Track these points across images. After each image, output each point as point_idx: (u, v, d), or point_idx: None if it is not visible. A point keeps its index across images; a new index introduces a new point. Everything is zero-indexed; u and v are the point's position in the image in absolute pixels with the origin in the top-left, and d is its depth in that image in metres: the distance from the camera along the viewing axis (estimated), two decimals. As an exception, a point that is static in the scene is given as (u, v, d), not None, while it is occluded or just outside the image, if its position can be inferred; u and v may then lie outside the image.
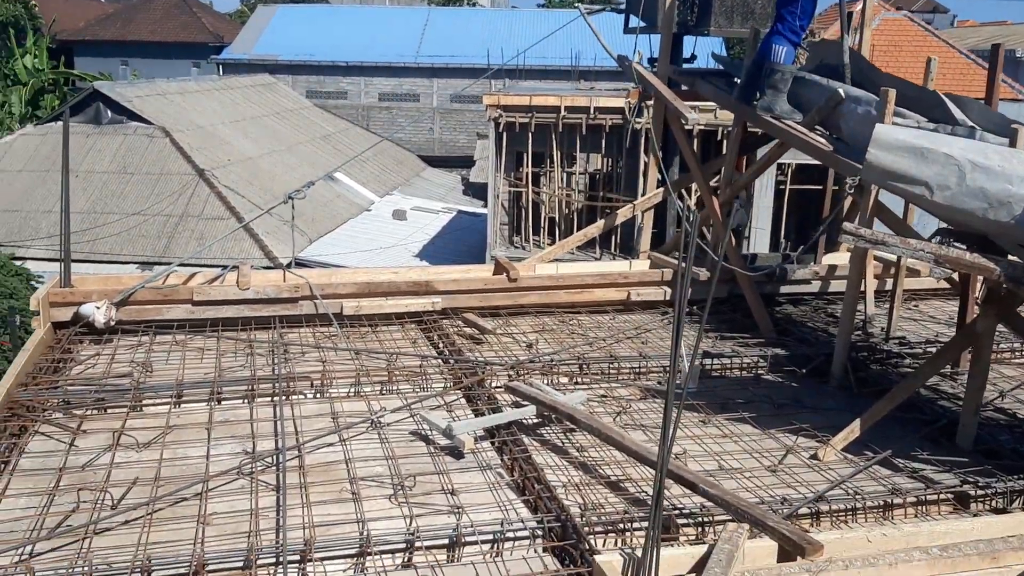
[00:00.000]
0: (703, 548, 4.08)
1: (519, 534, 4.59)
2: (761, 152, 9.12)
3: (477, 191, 28.55)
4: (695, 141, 16.12)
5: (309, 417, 5.94)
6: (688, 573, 4.02)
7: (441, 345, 7.29)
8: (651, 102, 9.99)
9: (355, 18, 43.59)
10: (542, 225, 18.88)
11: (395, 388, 6.42)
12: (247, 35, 42.21)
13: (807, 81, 7.43)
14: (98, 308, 7.09)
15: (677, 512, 4.76)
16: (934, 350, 7.04)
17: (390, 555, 4.45)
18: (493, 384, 6.47)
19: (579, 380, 6.72)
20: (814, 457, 5.57)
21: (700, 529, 4.72)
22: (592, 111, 18.06)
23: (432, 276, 8.16)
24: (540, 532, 4.61)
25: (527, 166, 18.59)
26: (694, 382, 6.66)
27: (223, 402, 6.19)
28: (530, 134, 18.36)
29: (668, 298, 8.37)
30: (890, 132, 5.48)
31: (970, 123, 5.89)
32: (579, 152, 18.48)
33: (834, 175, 13.41)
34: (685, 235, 7.99)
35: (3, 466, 5.17)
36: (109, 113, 23.96)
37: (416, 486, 5.01)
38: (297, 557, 4.33)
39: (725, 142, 14.76)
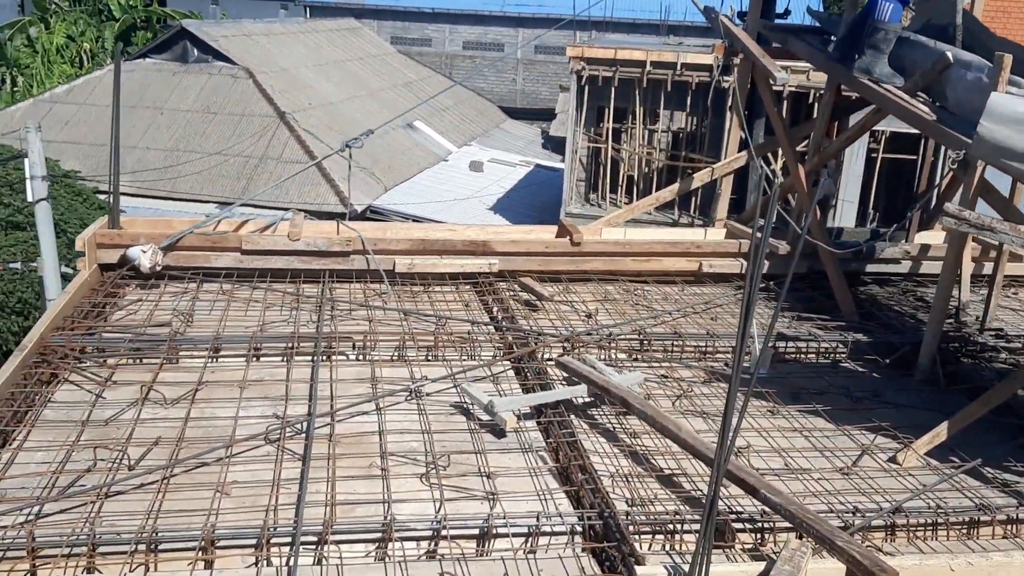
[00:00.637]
0: (759, 566, 3.64)
1: (556, 529, 4.21)
2: (855, 119, 8.42)
3: (556, 145, 27.90)
4: (784, 104, 15.32)
5: (346, 381, 5.61)
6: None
7: (495, 310, 6.89)
8: (738, 59, 9.34)
9: (443, -37, 42.90)
10: (620, 183, 18.29)
11: (441, 355, 6.05)
12: (335, -23, 41.94)
13: (912, 42, 6.78)
14: (144, 252, 6.86)
15: (734, 516, 4.30)
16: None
17: (414, 542, 4.11)
18: (545, 356, 6.06)
19: (639, 357, 6.25)
20: (892, 460, 5.05)
21: (759, 536, 4.25)
22: (679, 67, 17.36)
23: (490, 236, 7.75)
24: (579, 529, 4.22)
25: (608, 121, 17.99)
26: (765, 367, 6.14)
27: (261, 359, 5.92)
28: (613, 88, 17.73)
29: (743, 271, 7.79)
30: (1006, 103, 4.86)
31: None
32: (663, 109, 17.80)
33: (933, 145, 12.52)
34: (765, 203, 7.40)
35: (27, 414, 4.97)
36: (195, 52, 23.99)
37: (450, 466, 4.66)
38: (314, 539, 4.02)
39: (816, 106, 13.90)
